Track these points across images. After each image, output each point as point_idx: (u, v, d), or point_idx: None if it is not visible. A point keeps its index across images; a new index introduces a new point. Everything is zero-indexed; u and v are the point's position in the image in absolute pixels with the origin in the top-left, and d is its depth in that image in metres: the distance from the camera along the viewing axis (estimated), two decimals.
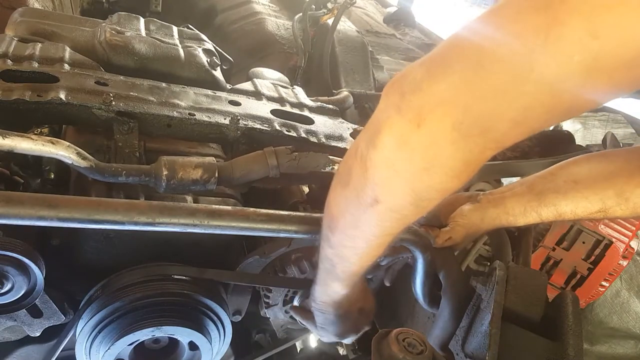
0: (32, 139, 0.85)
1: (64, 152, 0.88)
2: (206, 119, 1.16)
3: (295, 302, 1.17)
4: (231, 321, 1.13)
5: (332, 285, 0.92)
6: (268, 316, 1.28)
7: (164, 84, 1.24)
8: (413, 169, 0.61)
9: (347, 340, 1.12)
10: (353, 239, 0.78)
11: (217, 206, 0.87)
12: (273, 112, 1.31)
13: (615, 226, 1.93)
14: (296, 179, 1.16)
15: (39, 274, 0.91)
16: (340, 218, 0.77)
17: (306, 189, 1.35)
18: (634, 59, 0.45)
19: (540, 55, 0.47)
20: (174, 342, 1.11)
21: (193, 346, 1.09)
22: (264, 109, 1.31)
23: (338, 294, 0.94)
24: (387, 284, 1.33)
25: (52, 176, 1.03)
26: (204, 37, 1.51)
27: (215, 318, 1.08)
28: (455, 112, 0.55)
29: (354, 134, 1.34)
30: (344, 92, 1.71)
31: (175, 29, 1.48)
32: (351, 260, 0.82)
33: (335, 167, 1.10)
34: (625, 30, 0.43)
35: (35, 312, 1.00)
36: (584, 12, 0.44)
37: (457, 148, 0.58)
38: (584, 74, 0.47)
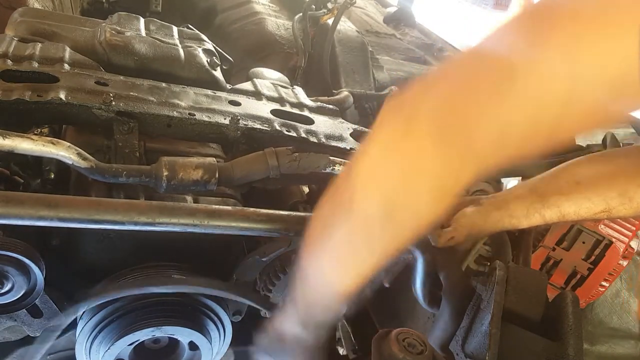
0: (32, 139, 0.85)
1: (64, 152, 0.88)
2: (206, 119, 1.16)
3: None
4: (231, 321, 1.13)
5: None
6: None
7: (164, 84, 1.24)
8: None
9: None
10: None
11: (217, 206, 0.87)
12: (273, 112, 1.31)
13: (615, 226, 1.93)
14: (296, 180, 1.16)
15: (39, 274, 0.91)
16: None
17: (306, 189, 1.35)
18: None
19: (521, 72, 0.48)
20: (174, 342, 1.11)
21: (193, 346, 1.09)
22: (264, 109, 1.31)
23: None
24: (386, 285, 1.32)
25: (52, 176, 1.03)
26: (204, 37, 1.51)
27: (215, 318, 1.08)
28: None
29: (354, 134, 1.34)
30: (344, 92, 1.70)
31: (175, 29, 1.48)
32: None
33: (336, 168, 1.10)
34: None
35: (35, 312, 1.00)
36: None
37: None
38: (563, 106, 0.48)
